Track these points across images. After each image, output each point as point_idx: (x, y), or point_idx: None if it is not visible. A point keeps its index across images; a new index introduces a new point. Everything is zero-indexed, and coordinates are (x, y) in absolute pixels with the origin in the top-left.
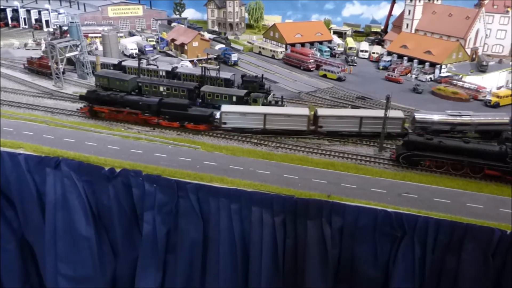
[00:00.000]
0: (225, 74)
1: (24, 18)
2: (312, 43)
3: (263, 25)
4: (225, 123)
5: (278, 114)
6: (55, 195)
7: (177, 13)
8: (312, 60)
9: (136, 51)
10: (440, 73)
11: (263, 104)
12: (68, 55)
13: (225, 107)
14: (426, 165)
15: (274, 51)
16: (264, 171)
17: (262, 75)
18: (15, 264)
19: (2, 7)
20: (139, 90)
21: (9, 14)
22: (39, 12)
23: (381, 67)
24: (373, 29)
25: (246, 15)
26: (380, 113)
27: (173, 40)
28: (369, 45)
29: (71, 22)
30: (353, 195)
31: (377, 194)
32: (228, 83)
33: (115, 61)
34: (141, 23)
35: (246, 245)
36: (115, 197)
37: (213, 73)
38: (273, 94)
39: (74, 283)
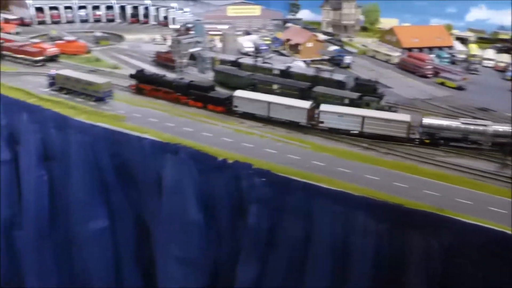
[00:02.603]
0: (338, 76)
1: (153, 15)
2: (430, 49)
3: (378, 28)
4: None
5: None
6: (172, 179)
7: (292, 13)
8: (430, 66)
9: (252, 49)
10: None
11: (375, 109)
12: (191, 50)
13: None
14: None
15: (389, 55)
16: (372, 176)
17: (376, 79)
18: (130, 238)
19: (135, 5)
20: (254, 86)
21: (141, 11)
22: (167, 10)
23: (508, 77)
24: (501, 36)
25: (362, 17)
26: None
27: (287, 40)
28: (496, 53)
29: (196, 20)
30: (467, 212)
31: (498, 214)
32: (340, 85)
33: (232, 58)
34: (257, 23)
35: (347, 249)
36: (225, 187)
37: (326, 74)
38: (387, 99)
39: (181, 263)
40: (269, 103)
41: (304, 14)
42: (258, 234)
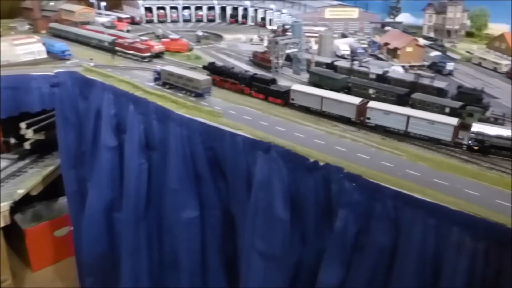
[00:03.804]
0: (439, 83)
1: (252, 16)
2: None
3: (486, 34)
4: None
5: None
6: (262, 176)
7: (391, 17)
8: None
9: (348, 52)
10: None
11: (479, 120)
12: (288, 51)
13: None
14: None
15: (497, 63)
16: (472, 191)
17: (481, 88)
18: (216, 229)
19: (235, 6)
20: (348, 90)
21: (240, 12)
22: (265, 11)
23: None
24: None
25: (468, 22)
26: None
27: (385, 44)
28: None
29: (295, 22)
30: None
31: None
32: (441, 92)
33: (328, 60)
34: (354, 26)
35: (437, 264)
36: (313, 189)
37: (425, 81)
38: (492, 110)
39: (264, 258)
40: (322, 97)
41: (404, 18)
42: (344, 239)
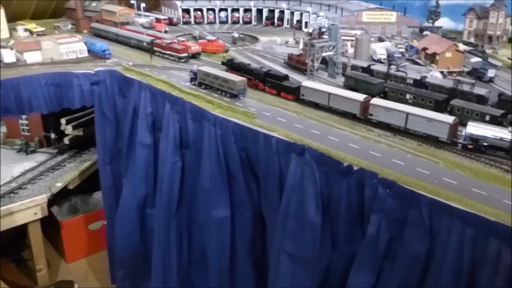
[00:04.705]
0: (479, 90)
1: (288, 19)
2: None
3: None
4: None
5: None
6: (294, 179)
7: (430, 21)
8: None
9: (385, 56)
10: None
11: None
12: (323, 54)
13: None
14: None
15: None
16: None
17: None
18: (246, 230)
19: (271, 8)
20: (385, 94)
21: (276, 15)
22: (301, 14)
23: None
24: None
25: (511, 28)
26: None
27: (424, 48)
28: None
29: (332, 25)
30: None
31: None
32: (481, 100)
33: (364, 64)
34: (392, 30)
35: (473, 277)
36: (346, 193)
37: (465, 88)
38: None
39: (293, 260)
40: (329, 93)
41: (444, 22)
42: (376, 245)
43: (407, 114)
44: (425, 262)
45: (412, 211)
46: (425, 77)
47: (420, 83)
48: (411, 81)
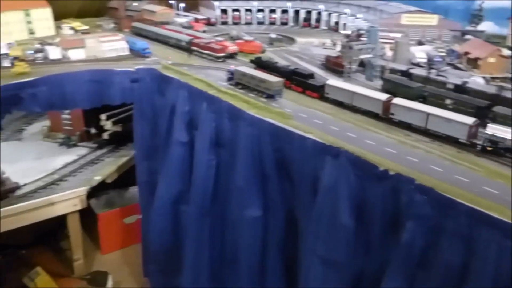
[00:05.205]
0: None
1: (325, 20)
2: None
3: None
4: (392, 114)
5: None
6: (329, 181)
7: (473, 25)
8: None
9: (425, 60)
10: None
11: None
12: (361, 57)
13: (396, 100)
14: None
15: None
16: None
17: None
18: (278, 230)
19: (309, 10)
20: (423, 99)
21: (313, 16)
22: (339, 16)
23: None
24: None
25: None
26: None
27: (466, 53)
28: None
29: (371, 27)
30: None
31: None
32: None
33: (403, 68)
34: (432, 33)
35: None
36: (382, 198)
37: (509, 94)
38: None
39: (324, 264)
40: (353, 92)
41: (487, 26)
42: (410, 252)
43: (428, 114)
44: (461, 273)
45: (449, 219)
46: (466, 82)
47: (461, 89)
48: (452, 86)
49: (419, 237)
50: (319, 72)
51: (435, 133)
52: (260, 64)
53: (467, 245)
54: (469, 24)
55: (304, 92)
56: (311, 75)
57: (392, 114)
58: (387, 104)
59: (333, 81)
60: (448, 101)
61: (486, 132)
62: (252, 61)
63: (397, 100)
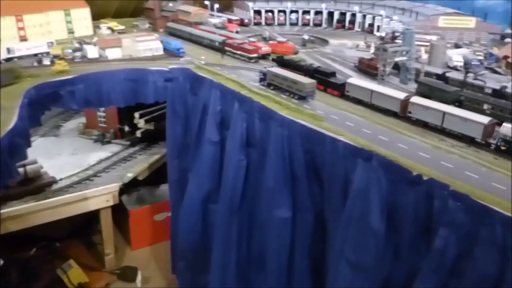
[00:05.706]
0: None
1: (359, 22)
2: None
3: None
4: (410, 112)
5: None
6: (360, 185)
7: None
8: None
9: (461, 64)
10: None
11: None
12: (396, 59)
13: (414, 99)
14: None
15: None
16: None
17: None
18: (307, 232)
19: (343, 11)
20: (460, 103)
21: (347, 18)
22: (373, 18)
23: None
24: None
25: None
26: None
27: (505, 57)
28: None
29: (406, 29)
30: None
31: None
32: None
33: (439, 71)
34: (470, 36)
35: None
36: (414, 203)
37: None
38: None
39: (353, 267)
40: (371, 91)
41: None
42: (443, 260)
43: (444, 113)
44: (495, 283)
45: (484, 227)
46: (506, 87)
47: (499, 93)
48: (490, 91)
49: (452, 244)
50: (352, 74)
51: (451, 131)
52: (282, 62)
53: (502, 254)
54: (509, 27)
55: (325, 90)
56: (333, 74)
57: (410, 112)
58: (405, 103)
59: (354, 79)
60: (485, 106)
61: (500, 132)
62: (273, 60)
63: (415, 99)
